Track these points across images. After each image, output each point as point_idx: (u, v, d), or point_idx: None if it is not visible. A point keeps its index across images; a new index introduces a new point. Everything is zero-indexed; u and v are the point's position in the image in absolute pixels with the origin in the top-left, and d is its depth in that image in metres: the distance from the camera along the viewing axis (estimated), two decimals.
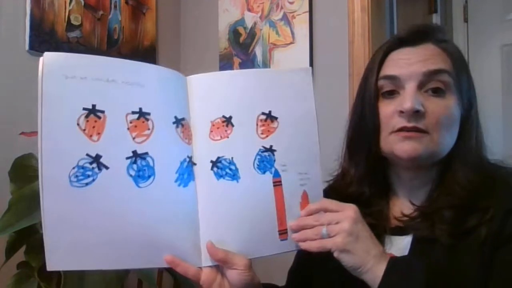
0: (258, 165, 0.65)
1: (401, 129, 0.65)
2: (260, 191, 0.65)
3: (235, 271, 0.62)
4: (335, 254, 0.60)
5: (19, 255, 1.16)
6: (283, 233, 0.66)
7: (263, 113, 0.67)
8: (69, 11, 1.65)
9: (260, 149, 0.66)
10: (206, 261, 0.63)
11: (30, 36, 1.53)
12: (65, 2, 1.64)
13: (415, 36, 0.68)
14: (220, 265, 0.63)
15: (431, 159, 0.67)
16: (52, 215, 0.55)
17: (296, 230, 0.65)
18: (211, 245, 0.62)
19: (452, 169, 0.67)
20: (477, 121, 0.69)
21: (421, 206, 0.68)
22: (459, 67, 0.67)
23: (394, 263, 0.59)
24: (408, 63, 0.66)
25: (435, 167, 0.69)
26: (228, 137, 0.65)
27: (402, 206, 0.72)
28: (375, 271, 0.58)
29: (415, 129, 0.64)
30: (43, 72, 0.56)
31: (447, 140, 0.66)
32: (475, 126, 0.68)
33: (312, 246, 0.63)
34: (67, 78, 0.57)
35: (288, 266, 0.85)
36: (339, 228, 0.60)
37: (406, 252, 0.66)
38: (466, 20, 2.27)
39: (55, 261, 0.55)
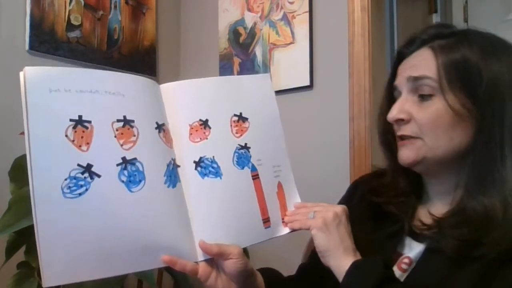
0: (237, 161, 0.71)
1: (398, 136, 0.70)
2: (242, 185, 0.71)
3: (231, 260, 0.66)
4: (312, 232, 0.66)
5: (19, 255, 1.16)
6: (266, 221, 0.72)
7: (235, 115, 0.73)
8: (69, 11, 1.65)
9: (236, 147, 0.71)
10: (201, 255, 0.66)
11: (30, 36, 1.53)
12: (65, 2, 1.64)
13: (411, 47, 0.71)
14: (216, 258, 0.66)
15: (431, 163, 0.67)
16: (47, 229, 0.54)
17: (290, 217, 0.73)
18: (203, 243, 0.65)
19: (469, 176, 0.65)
20: (501, 117, 0.63)
21: (437, 217, 0.68)
22: (454, 68, 0.64)
23: (363, 261, 0.64)
24: (400, 73, 0.71)
25: (459, 170, 0.66)
26: (207, 138, 0.69)
27: (426, 212, 0.71)
28: (342, 260, 0.64)
29: (402, 136, 0.68)
30: (26, 86, 0.56)
31: (443, 141, 0.65)
32: (498, 122, 0.63)
33: (295, 224, 0.70)
34: (51, 92, 0.57)
35: (286, 260, 0.87)
36: (324, 213, 0.67)
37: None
38: (466, 20, 2.27)
39: (52, 276, 0.54)
